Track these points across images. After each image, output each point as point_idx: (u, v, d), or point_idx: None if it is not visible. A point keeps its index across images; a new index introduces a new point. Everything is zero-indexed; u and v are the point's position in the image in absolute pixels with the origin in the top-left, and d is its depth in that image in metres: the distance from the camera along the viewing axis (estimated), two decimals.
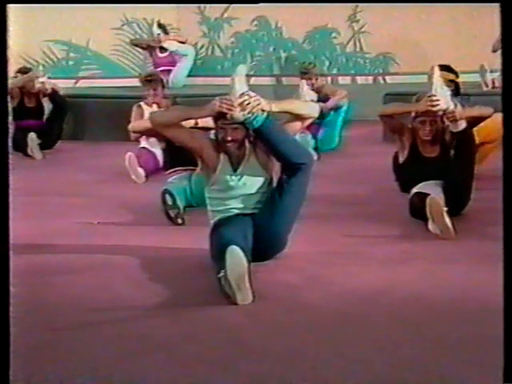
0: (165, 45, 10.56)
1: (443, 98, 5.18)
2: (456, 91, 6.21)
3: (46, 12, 10.26)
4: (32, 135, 8.22)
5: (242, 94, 4.18)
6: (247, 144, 4.35)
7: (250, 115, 4.16)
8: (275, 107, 4.27)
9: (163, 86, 7.66)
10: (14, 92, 8.30)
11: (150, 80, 7.55)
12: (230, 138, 4.26)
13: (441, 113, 5.19)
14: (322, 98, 8.26)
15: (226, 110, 4.17)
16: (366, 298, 3.73)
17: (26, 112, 8.57)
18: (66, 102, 8.86)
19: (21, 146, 8.05)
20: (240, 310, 3.56)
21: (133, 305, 3.71)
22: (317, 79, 8.52)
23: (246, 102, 4.15)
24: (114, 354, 3.12)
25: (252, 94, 4.20)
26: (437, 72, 5.31)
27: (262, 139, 4.27)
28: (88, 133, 9.46)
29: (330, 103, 8.24)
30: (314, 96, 8.16)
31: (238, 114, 4.17)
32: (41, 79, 8.61)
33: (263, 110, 4.18)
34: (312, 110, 4.55)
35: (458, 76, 6.49)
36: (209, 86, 10.23)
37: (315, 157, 6.96)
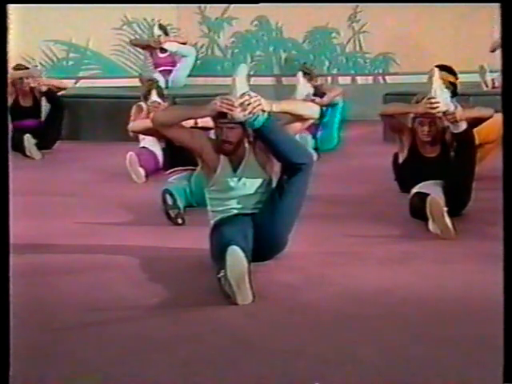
0: (165, 46, 10.55)
1: (443, 100, 5.19)
2: (454, 92, 6.21)
3: (45, 12, 10.25)
4: (28, 136, 8.18)
5: (243, 94, 4.17)
6: (246, 144, 4.35)
7: (250, 115, 4.15)
8: (276, 107, 4.26)
9: (162, 93, 7.59)
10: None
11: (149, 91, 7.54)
12: (224, 138, 4.25)
13: (440, 114, 5.20)
14: (319, 96, 8.27)
15: (226, 110, 4.17)
16: (365, 298, 3.73)
17: (22, 112, 8.54)
18: (62, 103, 8.81)
19: (19, 147, 8.04)
20: (240, 310, 3.56)
21: (133, 305, 3.71)
22: (316, 80, 8.54)
23: (247, 103, 4.14)
24: (114, 354, 3.12)
25: (253, 94, 4.19)
26: (436, 74, 5.31)
27: (263, 139, 4.26)
28: (88, 133, 9.44)
29: (326, 99, 8.22)
30: (311, 89, 8.18)
31: (239, 114, 4.16)
32: (36, 79, 8.55)
33: (264, 111, 4.18)
34: (313, 111, 4.54)
35: (457, 77, 6.49)
36: (209, 86, 10.23)
37: (315, 157, 6.97)
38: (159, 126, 4.44)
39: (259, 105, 4.16)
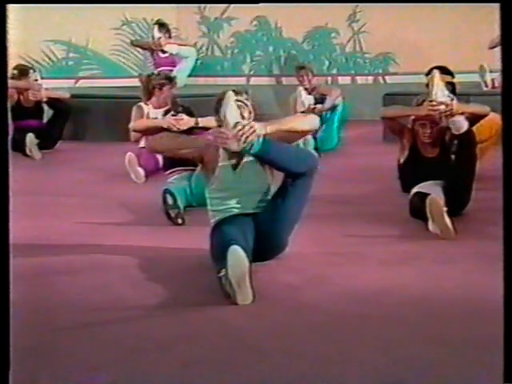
0: (166, 48, 10.57)
1: (443, 101, 5.21)
2: (452, 92, 6.22)
3: (45, 12, 10.26)
4: (30, 135, 8.20)
5: (236, 124, 4.09)
6: None
7: (245, 145, 4.09)
8: (270, 128, 4.17)
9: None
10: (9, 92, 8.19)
11: (170, 78, 7.60)
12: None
13: (441, 109, 5.22)
14: (318, 99, 8.29)
15: (220, 144, 4.13)
16: (365, 298, 3.73)
17: (24, 112, 8.55)
18: (68, 108, 8.81)
19: (19, 146, 8.04)
20: (240, 310, 3.56)
21: (133, 305, 3.71)
22: (313, 77, 8.54)
23: (241, 133, 4.07)
24: (114, 354, 3.12)
25: (245, 122, 4.11)
26: (437, 76, 5.32)
27: (263, 161, 4.24)
28: (88, 133, 9.45)
29: (327, 104, 8.27)
30: (311, 100, 8.22)
31: (234, 145, 4.09)
32: (35, 93, 8.53)
33: (259, 136, 4.09)
34: (311, 124, 4.46)
35: (453, 77, 6.51)
36: (209, 86, 10.24)
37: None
38: (155, 152, 4.47)
39: (253, 132, 4.07)
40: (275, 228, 4.22)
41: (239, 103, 4.32)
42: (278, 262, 4.29)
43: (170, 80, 7.59)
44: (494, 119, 5.74)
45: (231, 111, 4.18)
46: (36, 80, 8.72)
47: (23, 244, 4.37)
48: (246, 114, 4.34)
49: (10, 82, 8.24)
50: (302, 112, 8.21)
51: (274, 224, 4.20)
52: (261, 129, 4.12)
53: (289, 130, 4.31)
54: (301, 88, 8.38)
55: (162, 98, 7.40)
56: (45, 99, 8.59)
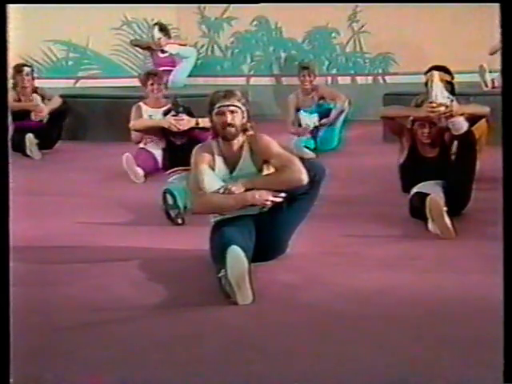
0: (166, 48, 10.56)
1: (443, 102, 5.21)
2: (452, 91, 6.23)
3: (46, 12, 10.24)
4: (30, 136, 8.20)
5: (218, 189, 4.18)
6: (245, 147, 4.34)
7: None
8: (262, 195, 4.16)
9: (165, 84, 7.69)
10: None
11: (153, 74, 7.60)
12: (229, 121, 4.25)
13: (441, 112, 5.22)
14: (322, 113, 8.19)
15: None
16: (365, 298, 3.73)
17: (24, 112, 8.54)
18: (66, 107, 8.79)
19: (19, 146, 8.05)
20: (240, 310, 3.56)
21: (133, 305, 3.71)
22: (315, 77, 8.50)
23: None
24: (114, 354, 3.12)
25: (222, 190, 4.17)
26: (436, 77, 5.33)
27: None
28: (87, 133, 9.44)
29: (333, 115, 8.17)
30: (316, 120, 8.07)
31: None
32: (38, 114, 8.53)
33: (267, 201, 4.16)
34: (299, 180, 4.16)
35: (453, 76, 6.51)
36: (209, 86, 10.22)
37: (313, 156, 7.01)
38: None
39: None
40: (277, 229, 4.22)
41: (232, 108, 4.28)
42: (278, 262, 4.29)
43: (149, 74, 7.60)
44: (480, 122, 5.76)
45: (208, 180, 4.19)
46: (28, 75, 8.68)
47: (23, 244, 4.37)
48: (237, 120, 4.29)
49: (14, 105, 8.23)
50: (308, 127, 8.08)
51: (277, 226, 4.20)
52: (254, 199, 4.13)
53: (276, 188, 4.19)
54: (301, 111, 8.19)
55: (154, 96, 7.42)
56: (47, 116, 8.58)
